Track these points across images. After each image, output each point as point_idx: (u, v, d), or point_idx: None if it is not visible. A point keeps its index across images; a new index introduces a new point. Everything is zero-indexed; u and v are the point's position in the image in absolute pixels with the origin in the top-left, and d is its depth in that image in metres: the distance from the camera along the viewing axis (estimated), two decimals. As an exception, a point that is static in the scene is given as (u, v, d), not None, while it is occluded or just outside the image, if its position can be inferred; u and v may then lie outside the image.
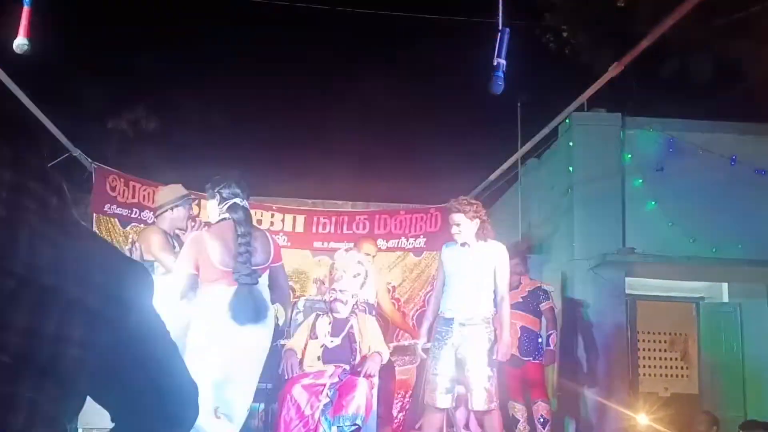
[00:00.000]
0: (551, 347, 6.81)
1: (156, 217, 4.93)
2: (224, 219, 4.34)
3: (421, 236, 8.27)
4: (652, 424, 8.02)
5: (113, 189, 7.64)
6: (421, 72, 11.82)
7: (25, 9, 4.10)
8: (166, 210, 4.84)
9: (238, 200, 4.37)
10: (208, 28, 11.85)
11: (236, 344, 4.08)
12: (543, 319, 6.87)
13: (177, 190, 4.97)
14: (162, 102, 12.03)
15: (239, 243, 4.18)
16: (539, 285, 6.99)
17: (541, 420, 6.69)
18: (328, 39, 11.94)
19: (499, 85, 4.09)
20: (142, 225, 7.75)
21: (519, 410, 6.76)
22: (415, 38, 11.54)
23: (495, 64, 4.02)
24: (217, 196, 4.39)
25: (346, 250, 5.93)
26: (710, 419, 6.82)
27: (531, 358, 6.74)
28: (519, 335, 6.74)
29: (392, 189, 9.38)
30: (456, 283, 5.06)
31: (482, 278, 5.01)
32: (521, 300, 6.84)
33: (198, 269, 4.21)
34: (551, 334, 6.84)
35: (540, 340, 6.83)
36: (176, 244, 4.69)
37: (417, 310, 8.08)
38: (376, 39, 11.56)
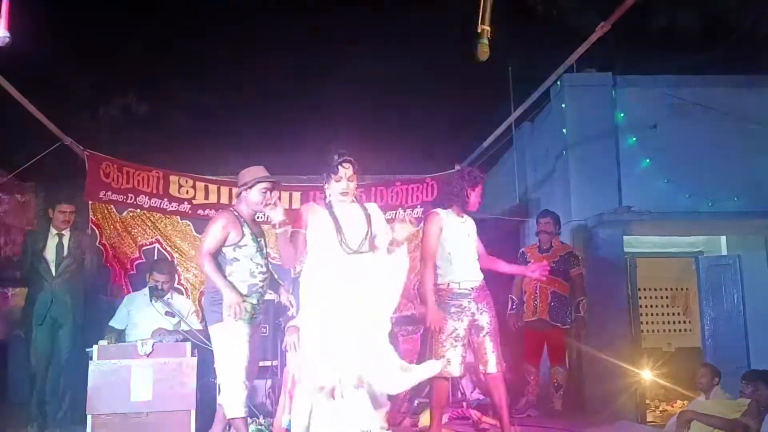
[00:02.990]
0: (581, 314, 6.82)
1: (237, 196, 4.99)
2: None
3: (419, 206, 8.27)
4: (656, 379, 8.12)
5: (107, 175, 7.62)
6: (411, 41, 11.76)
7: (4, 0, 4.05)
8: (242, 191, 4.84)
9: None
10: (196, 8, 11.77)
11: None
12: (571, 284, 6.87)
13: (256, 171, 4.90)
14: (153, 85, 11.97)
15: None
16: (571, 250, 6.98)
17: (556, 384, 6.75)
18: (319, 12, 11.87)
19: (484, 52, 4.09)
20: (138, 210, 7.76)
21: (532, 373, 6.82)
22: (404, 6, 11.48)
23: (479, 31, 4.01)
24: None
25: None
26: (711, 371, 6.87)
27: (560, 324, 6.77)
28: (549, 300, 6.77)
29: (387, 161, 9.37)
30: (463, 254, 5.05)
31: (475, 247, 5.09)
32: (553, 265, 6.83)
33: None
34: (581, 300, 6.84)
35: (569, 306, 6.85)
36: (248, 226, 4.80)
37: (418, 280, 8.10)
38: (365, 10, 11.50)
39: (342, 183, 4.30)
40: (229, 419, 4.76)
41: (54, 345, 6.19)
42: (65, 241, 6.30)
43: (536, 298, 6.78)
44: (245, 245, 4.75)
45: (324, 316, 4.09)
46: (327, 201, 4.35)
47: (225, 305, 4.57)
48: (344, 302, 4.09)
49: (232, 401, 4.71)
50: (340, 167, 4.28)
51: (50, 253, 6.25)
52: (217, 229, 4.69)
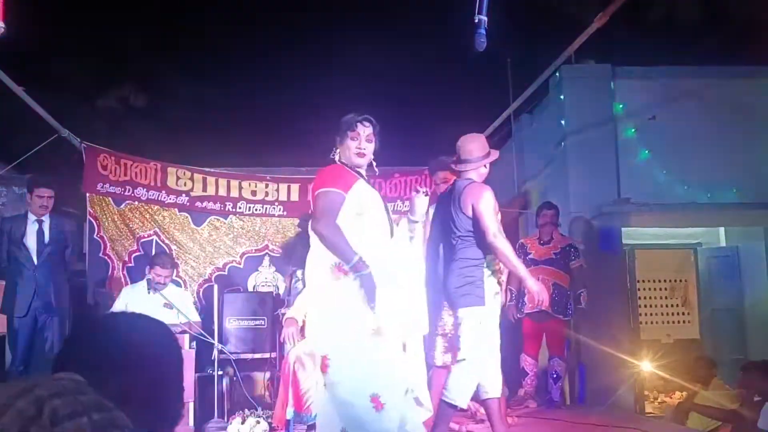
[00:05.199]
0: (582, 305, 6.83)
1: (469, 172, 4.53)
2: None
3: (417, 197, 8.26)
4: (655, 371, 8.12)
5: (104, 168, 7.61)
6: (409, 32, 11.73)
7: (0, -8, 4.03)
8: (483, 163, 4.51)
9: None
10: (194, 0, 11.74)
11: None
12: (572, 276, 6.87)
13: (485, 141, 4.59)
14: (150, 77, 11.94)
15: None
16: (570, 242, 6.99)
17: (554, 376, 6.75)
18: (319, 4, 11.84)
19: (482, 42, 4.06)
20: (136, 202, 7.74)
21: (530, 364, 6.83)
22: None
23: (476, 21, 3.98)
24: None
25: None
26: (708, 362, 6.89)
27: (562, 316, 6.78)
28: (551, 292, 6.77)
29: (385, 152, 9.34)
30: None
31: None
32: (553, 256, 6.85)
33: None
34: (582, 292, 6.84)
35: (569, 298, 6.85)
36: None
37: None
38: (364, 1, 11.47)
39: (359, 142, 3.72)
40: (488, 399, 4.42)
41: (43, 337, 5.88)
42: (45, 228, 5.96)
43: None
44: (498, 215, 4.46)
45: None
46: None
47: (533, 294, 4.31)
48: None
49: (496, 381, 4.43)
50: (359, 124, 3.73)
51: (31, 241, 5.89)
52: (494, 205, 4.35)
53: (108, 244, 7.59)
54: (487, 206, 4.31)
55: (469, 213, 4.37)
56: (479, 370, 4.38)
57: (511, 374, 6.96)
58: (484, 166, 4.56)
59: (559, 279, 6.81)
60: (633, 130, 7.83)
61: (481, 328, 4.33)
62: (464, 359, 4.34)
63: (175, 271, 7.00)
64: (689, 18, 8.51)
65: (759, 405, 5.95)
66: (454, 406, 4.35)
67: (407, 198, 8.23)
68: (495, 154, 4.62)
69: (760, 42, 8.01)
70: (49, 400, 1.18)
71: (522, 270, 4.33)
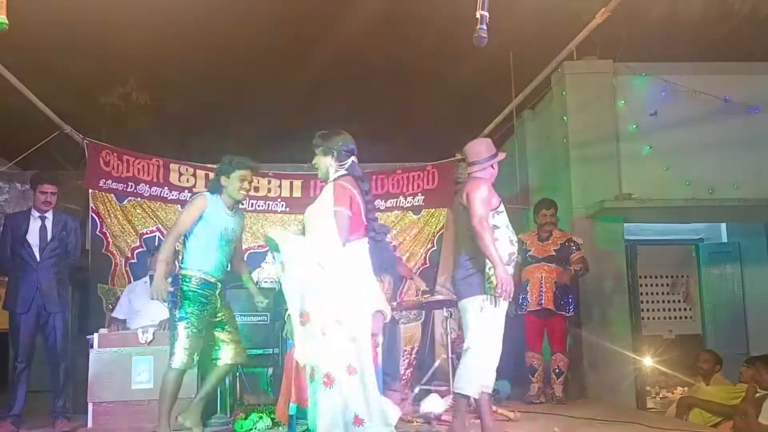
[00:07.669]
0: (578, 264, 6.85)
1: (476, 172, 4.68)
2: (343, 176, 4.25)
3: (419, 194, 8.28)
4: (657, 366, 8.14)
5: (107, 164, 7.61)
6: (411, 28, 11.71)
7: (3, -13, 4.03)
8: (492, 163, 4.67)
9: (354, 158, 4.31)
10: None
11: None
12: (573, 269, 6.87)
13: (491, 145, 4.75)
14: (152, 74, 11.93)
15: (367, 200, 4.17)
16: (570, 237, 7.00)
17: (556, 370, 6.77)
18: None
19: (483, 38, 4.07)
20: (138, 199, 7.75)
21: (537, 359, 6.85)
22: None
23: (478, 17, 3.98)
24: (334, 153, 4.30)
25: None
26: (713, 357, 6.91)
27: (564, 312, 6.79)
28: (553, 289, 6.77)
29: (388, 148, 9.36)
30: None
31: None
32: (554, 253, 6.86)
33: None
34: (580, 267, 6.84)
35: (571, 294, 6.86)
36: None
37: (419, 267, 8.11)
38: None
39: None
40: (463, 395, 4.44)
41: (45, 333, 5.80)
42: (48, 224, 5.90)
43: (542, 287, 6.77)
44: (502, 211, 4.57)
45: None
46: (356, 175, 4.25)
47: (499, 282, 4.28)
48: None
49: (481, 378, 4.43)
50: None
51: (33, 237, 5.81)
52: (486, 196, 4.48)
53: (110, 241, 7.59)
54: (477, 195, 4.44)
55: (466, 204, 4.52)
56: (487, 357, 4.41)
57: (517, 371, 6.99)
58: (492, 166, 4.66)
59: (560, 276, 6.82)
60: (634, 126, 7.83)
61: (482, 316, 4.40)
62: (469, 348, 4.42)
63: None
64: (691, 13, 8.49)
65: (761, 400, 5.98)
66: (466, 396, 4.41)
67: (409, 194, 8.26)
68: (501, 155, 4.72)
69: (762, 37, 8.01)
70: None
71: (496, 258, 4.31)
